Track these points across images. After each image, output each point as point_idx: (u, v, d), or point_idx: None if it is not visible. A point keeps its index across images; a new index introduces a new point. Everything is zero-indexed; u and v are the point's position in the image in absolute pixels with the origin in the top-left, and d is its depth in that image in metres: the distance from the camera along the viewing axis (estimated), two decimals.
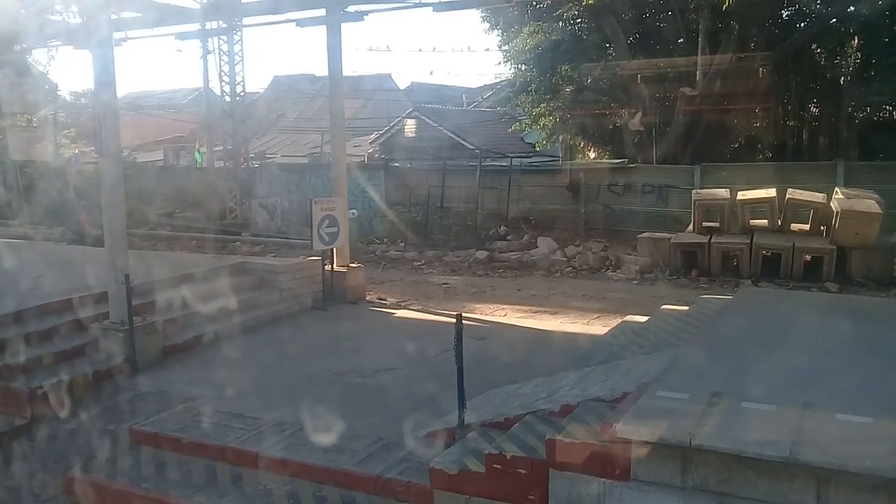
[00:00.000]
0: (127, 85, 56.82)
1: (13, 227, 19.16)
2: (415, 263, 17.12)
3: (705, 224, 15.28)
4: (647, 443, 4.15)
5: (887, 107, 20.98)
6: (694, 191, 16.31)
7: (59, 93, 28.24)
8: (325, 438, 5.88)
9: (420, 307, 11.91)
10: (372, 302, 12.05)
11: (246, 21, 18.23)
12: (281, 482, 5.46)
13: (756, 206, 15.03)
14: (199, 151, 28.42)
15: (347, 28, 11.95)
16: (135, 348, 7.83)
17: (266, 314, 10.02)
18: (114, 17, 10.68)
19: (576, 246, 17.06)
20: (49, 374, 7.32)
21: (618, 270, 15.47)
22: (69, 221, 20.15)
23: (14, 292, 8.68)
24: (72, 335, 8.02)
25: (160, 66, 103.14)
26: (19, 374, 7.22)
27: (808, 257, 14.03)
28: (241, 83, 24.14)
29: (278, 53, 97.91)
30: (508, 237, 18.44)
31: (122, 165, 9.14)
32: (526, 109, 22.43)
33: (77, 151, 28.12)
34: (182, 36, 15.91)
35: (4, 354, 7.40)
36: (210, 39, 23.77)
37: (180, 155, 31.68)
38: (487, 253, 17.18)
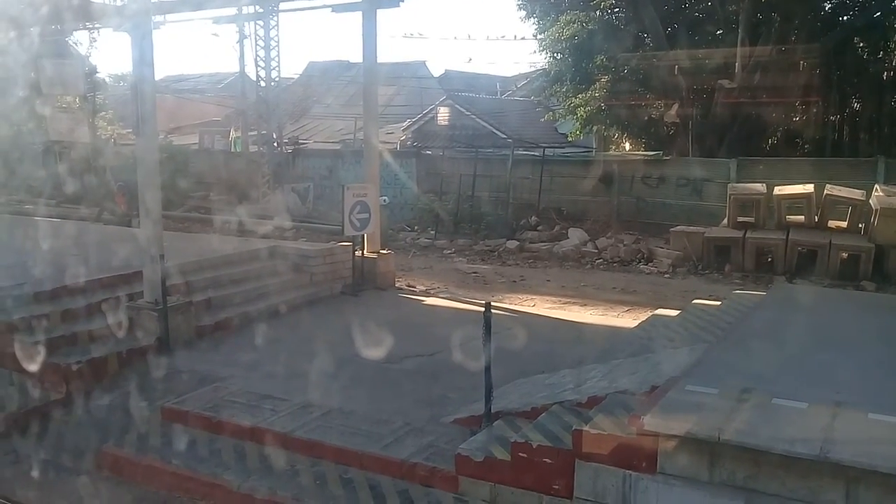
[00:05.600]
0: (164, 68, 57.42)
1: (51, 206, 19.49)
2: (445, 251, 17.13)
3: (740, 219, 15.08)
4: (674, 436, 4.13)
5: None
6: (729, 185, 16.09)
7: (98, 75, 28.51)
8: (353, 422, 5.94)
9: (449, 295, 11.92)
10: (401, 289, 12.10)
11: (282, 6, 18.37)
12: (308, 463, 5.52)
13: (793, 202, 14.79)
14: (235, 138, 28.64)
15: (383, 14, 11.96)
16: (168, 328, 7.95)
17: (297, 298, 10.09)
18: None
19: (607, 238, 16.92)
20: (84, 351, 7.49)
21: (649, 263, 15.34)
22: (105, 201, 20.47)
23: (51, 270, 8.84)
24: (107, 313, 8.13)
25: (197, 51, 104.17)
26: (56, 350, 7.38)
27: (844, 255, 13.77)
28: (277, 68, 24.29)
29: (313, 39, 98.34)
30: (539, 227, 18.34)
31: (159, 147, 9.26)
32: (560, 99, 22.26)
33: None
34: (219, 20, 16.06)
35: (41, 331, 7.56)
36: (246, 24, 23.96)
37: (215, 139, 31.97)
38: (518, 243, 17.13)
